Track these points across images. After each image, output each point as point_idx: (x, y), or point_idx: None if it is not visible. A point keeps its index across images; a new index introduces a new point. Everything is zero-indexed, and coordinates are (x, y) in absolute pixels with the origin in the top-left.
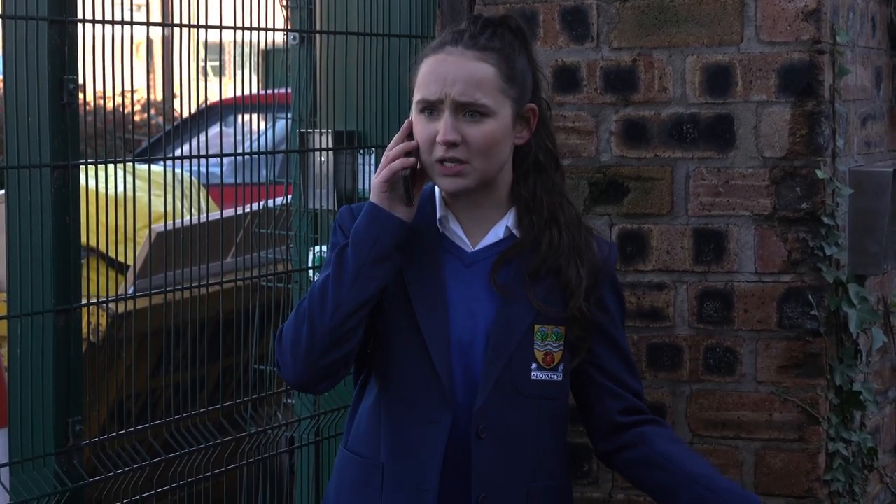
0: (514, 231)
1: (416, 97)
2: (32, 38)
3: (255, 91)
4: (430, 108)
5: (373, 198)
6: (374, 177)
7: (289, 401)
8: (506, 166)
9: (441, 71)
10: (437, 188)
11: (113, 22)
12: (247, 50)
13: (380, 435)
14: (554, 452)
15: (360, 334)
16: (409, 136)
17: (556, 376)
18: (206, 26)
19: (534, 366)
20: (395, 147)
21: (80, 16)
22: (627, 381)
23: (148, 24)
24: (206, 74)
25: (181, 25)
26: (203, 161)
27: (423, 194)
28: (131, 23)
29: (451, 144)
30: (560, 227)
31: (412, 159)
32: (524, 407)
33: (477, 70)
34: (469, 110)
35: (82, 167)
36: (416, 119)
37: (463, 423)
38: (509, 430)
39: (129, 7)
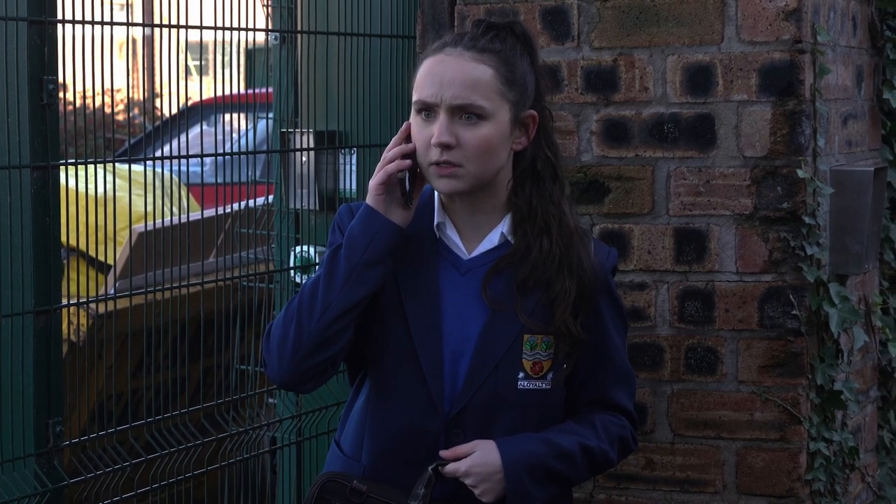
0: (509, 238)
1: (414, 98)
2: (12, 39)
3: (237, 91)
4: (427, 110)
5: (369, 200)
6: (371, 179)
7: (271, 400)
8: (504, 171)
9: (438, 72)
10: (436, 193)
11: (93, 22)
12: (230, 49)
13: (363, 437)
14: None
15: (347, 337)
16: (408, 138)
17: (545, 385)
18: (186, 26)
19: (521, 375)
20: (392, 149)
21: (59, 16)
22: (614, 398)
23: (128, 24)
24: (186, 73)
25: (160, 25)
26: (185, 160)
27: (421, 198)
28: (111, 23)
29: (445, 147)
30: (552, 238)
31: (408, 162)
32: (509, 415)
33: (474, 71)
34: (465, 112)
35: (62, 167)
36: (414, 121)
37: (447, 429)
38: (490, 437)
39: (110, 7)
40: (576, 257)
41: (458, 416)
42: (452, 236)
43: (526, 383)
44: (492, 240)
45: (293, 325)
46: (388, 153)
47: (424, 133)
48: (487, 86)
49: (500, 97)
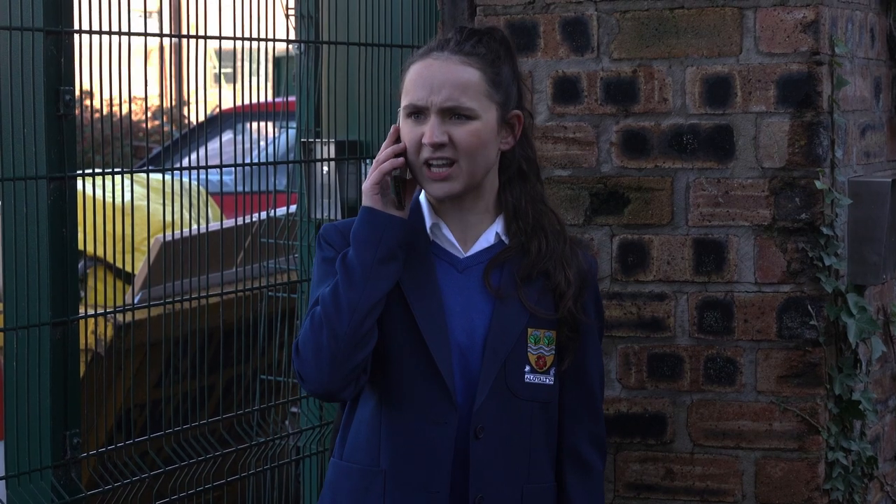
0: (504, 238)
1: (403, 102)
2: (28, 49)
3: (263, 99)
4: (417, 113)
5: (366, 202)
6: (365, 182)
7: (294, 410)
8: (492, 172)
9: (427, 76)
10: (423, 199)
11: (110, 32)
12: (256, 58)
13: (379, 442)
14: (546, 455)
15: (376, 336)
16: (397, 141)
17: (548, 380)
18: (206, 37)
19: (527, 368)
20: (383, 151)
21: (76, 26)
22: (583, 420)
23: (145, 34)
24: (205, 81)
25: (178, 36)
26: (209, 170)
27: (411, 203)
28: (129, 33)
29: (437, 146)
30: (546, 234)
31: (401, 159)
32: (518, 409)
33: (462, 74)
34: (455, 114)
35: (80, 178)
36: (403, 123)
37: (463, 424)
38: (505, 431)
39: (128, 16)
40: (570, 252)
41: (474, 410)
42: (448, 236)
43: (531, 377)
44: (487, 238)
45: (325, 334)
46: (380, 155)
47: (415, 133)
48: (475, 88)
49: (488, 98)
